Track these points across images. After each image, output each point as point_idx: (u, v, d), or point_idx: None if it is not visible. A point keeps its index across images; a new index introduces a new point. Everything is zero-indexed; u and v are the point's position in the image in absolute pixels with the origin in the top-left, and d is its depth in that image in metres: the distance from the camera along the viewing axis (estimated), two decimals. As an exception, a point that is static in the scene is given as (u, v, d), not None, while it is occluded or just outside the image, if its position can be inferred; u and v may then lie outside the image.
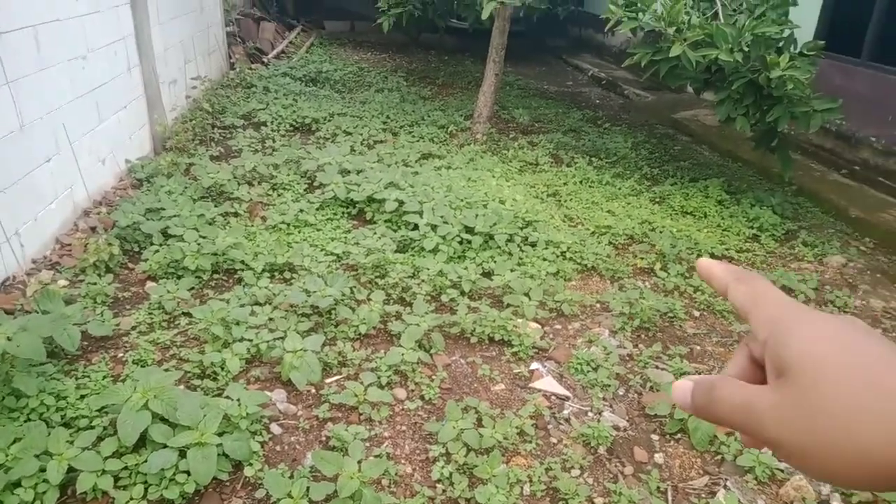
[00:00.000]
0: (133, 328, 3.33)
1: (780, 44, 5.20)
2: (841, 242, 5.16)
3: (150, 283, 3.74)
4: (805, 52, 5.19)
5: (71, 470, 2.33)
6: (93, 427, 2.56)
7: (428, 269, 3.98)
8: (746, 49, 5.10)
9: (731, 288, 0.53)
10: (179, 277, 3.78)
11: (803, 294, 4.20)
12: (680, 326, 3.86)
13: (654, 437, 2.96)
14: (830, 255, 4.91)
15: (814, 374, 0.41)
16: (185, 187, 4.80)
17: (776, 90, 5.09)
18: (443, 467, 2.62)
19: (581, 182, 5.96)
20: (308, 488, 2.38)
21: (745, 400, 0.45)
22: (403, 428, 2.88)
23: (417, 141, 6.70)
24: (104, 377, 2.93)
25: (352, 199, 4.92)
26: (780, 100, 5.19)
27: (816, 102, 5.10)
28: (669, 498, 2.63)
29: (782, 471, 2.76)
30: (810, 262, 4.82)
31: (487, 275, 4.15)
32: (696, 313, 4.03)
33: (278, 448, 2.72)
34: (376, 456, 2.66)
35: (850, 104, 6.07)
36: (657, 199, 5.73)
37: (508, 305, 3.78)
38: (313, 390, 3.05)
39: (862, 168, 6.51)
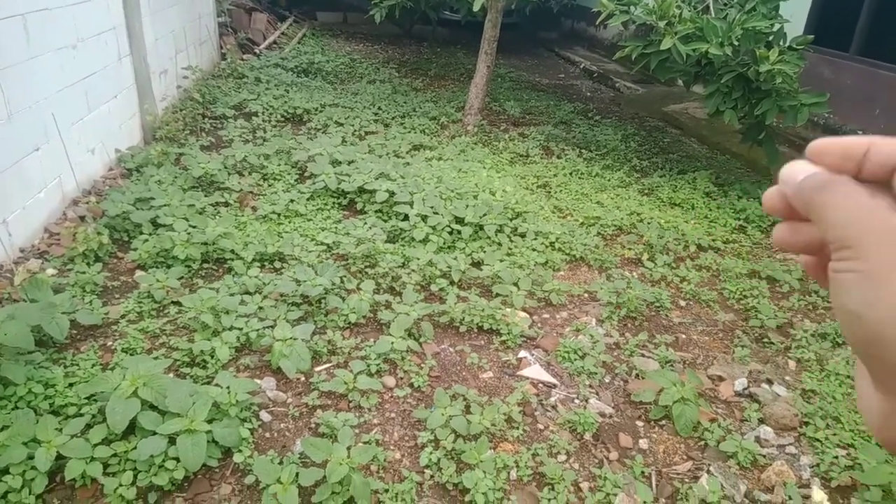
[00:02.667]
0: (122, 317, 3.33)
1: (770, 38, 5.23)
2: (827, 234, 5.21)
3: (139, 273, 3.74)
4: (794, 47, 5.23)
5: (59, 457, 2.34)
6: (81, 415, 2.57)
7: (418, 259, 4.00)
8: (736, 43, 5.14)
9: None
10: (169, 266, 3.78)
11: (788, 284, 4.26)
12: (666, 316, 3.90)
13: (639, 423, 3.01)
14: (816, 246, 4.96)
15: None
16: (175, 177, 4.80)
17: (765, 84, 5.13)
18: (431, 453, 2.65)
19: (571, 174, 5.99)
20: (297, 474, 2.40)
21: (868, 209, 0.40)
22: (392, 415, 2.91)
23: (409, 132, 6.71)
24: (93, 365, 2.94)
25: (342, 190, 4.93)
26: (769, 93, 5.23)
27: (804, 96, 5.15)
28: (653, 482, 2.68)
29: (764, 456, 2.81)
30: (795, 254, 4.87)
31: (477, 265, 4.18)
32: (682, 303, 4.07)
33: (268, 435, 2.74)
34: (365, 442, 2.69)
35: (838, 97, 6.12)
36: (646, 191, 5.77)
37: (497, 295, 3.81)
38: (303, 378, 3.07)
39: (849, 161, 6.57)
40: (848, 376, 3.39)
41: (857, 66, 6.61)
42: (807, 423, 3.03)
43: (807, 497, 2.61)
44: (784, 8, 5.45)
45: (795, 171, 0.46)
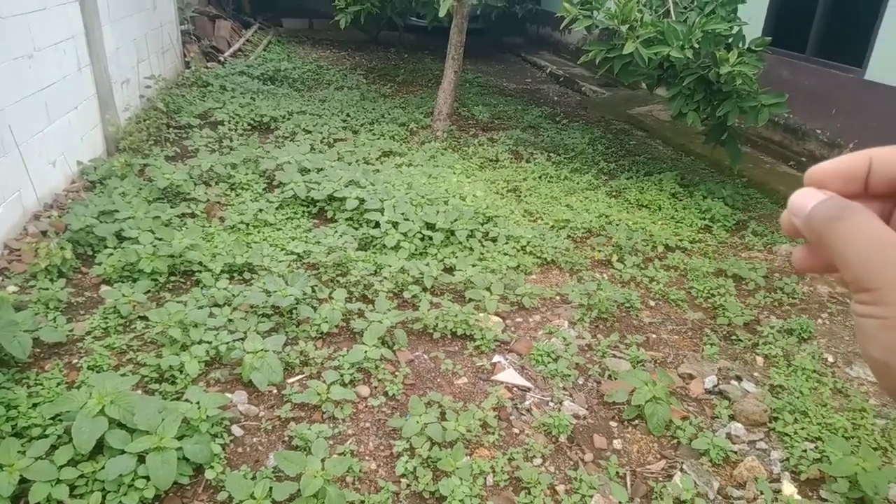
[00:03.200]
0: (88, 333, 3.25)
1: (730, 40, 5.35)
2: (789, 232, 5.34)
3: (104, 287, 3.66)
4: (753, 48, 5.36)
5: (23, 481, 2.28)
6: (46, 436, 2.50)
7: (390, 267, 3.99)
8: (697, 46, 5.24)
9: None
10: (135, 280, 3.71)
11: (754, 282, 4.35)
12: (636, 316, 3.95)
13: (613, 423, 3.04)
14: (779, 243, 5.09)
15: None
16: (140, 189, 4.70)
17: (726, 85, 5.25)
18: (407, 462, 2.64)
19: (540, 177, 6.04)
20: (271, 489, 2.38)
21: (887, 245, 0.36)
22: (367, 425, 2.89)
23: (378, 139, 6.69)
24: (58, 384, 2.86)
25: (312, 198, 4.89)
26: (730, 95, 5.35)
27: (764, 97, 5.27)
28: (628, 482, 2.71)
29: (735, 452, 2.86)
30: (760, 251, 4.99)
31: (449, 270, 4.18)
32: (652, 303, 4.13)
33: (240, 450, 2.69)
34: (340, 454, 2.66)
35: (796, 98, 6.28)
36: (613, 193, 5.84)
37: (470, 300, 3.82)
38: (275, 391, 3.04)
39: (809, 160, 6.75)
40: (814, 371, 3.47)
41: (814, 67, 6.80)
42: (776, 419, 3.09)
43: (778, 491, 2.67)
44: (742, 10, 5.58)
45: (805, 199, 0.42)
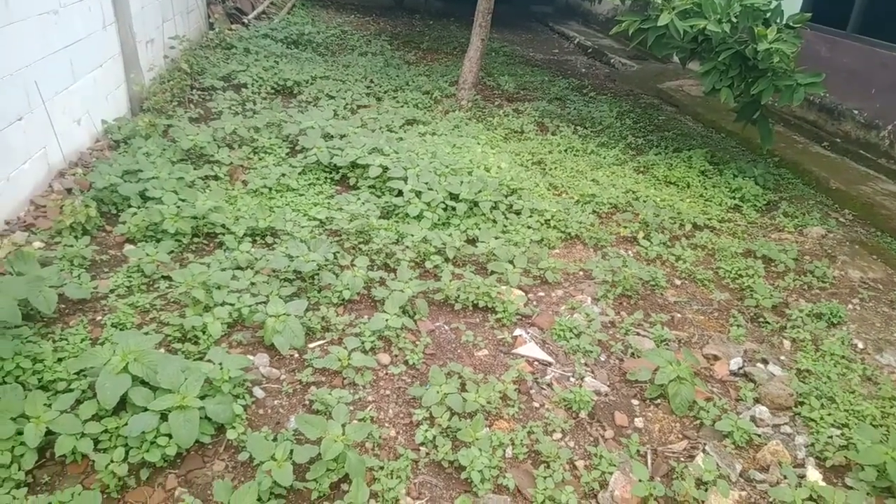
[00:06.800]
0: (111, 291, 3.27)
1: (768, 15, 5.16)
2: (821, 214, 5.22)
3: (128, 246, 3.67)
4: (791, 25, 5.17)
5: (49, 433, 2.30)
6: (71, 390, 2.52)
7: (412, 236, 3.95)
8: (735, 20, 5.07)
9: None
10: (159, 240, 3.71)
11: (783, 264, 4.26)
12: (661, 294, 3.89)
13: (635, 402, 3.00)
14: (810, 225, 4.96)
15: None
16: (164, 149, 4.69)
17: (762, 63, 5.07)
18: (426, 431, 2.63)
19: (566, 151, 5.93)
20: (292, 451, 2.38)
21: None
22: (387, 392, 2.89)
23: (402, 106, 6.61)
24: (82, 340, 2.88)
25: (335, 164, 4.85)
26: (766, 72, 5.18)
27: (800, 76, 5.10)
28: (649, 461, 2.68)
29: (759, 435, 2.82)
30: (790, 233, 4.87)
31: (472, 242, 4.13)
32: (678, 282, 4.06)
33: (261, 412, 2.70)
34: (360, 419, 2.66)
35: (834, 76, 6.07)
36: (641, 169, 5.72)
37: (492, 272, 3.78)
38: (296, 355, 3.04)
39: (843, 140, 6.56)
40: (843, 356, 3.40)
41: (855, 45, 6.56)
42: (802, 403, 3.04)
43: (802, 476, 2.62)
44: (782, -15, 5.37)
45: None
